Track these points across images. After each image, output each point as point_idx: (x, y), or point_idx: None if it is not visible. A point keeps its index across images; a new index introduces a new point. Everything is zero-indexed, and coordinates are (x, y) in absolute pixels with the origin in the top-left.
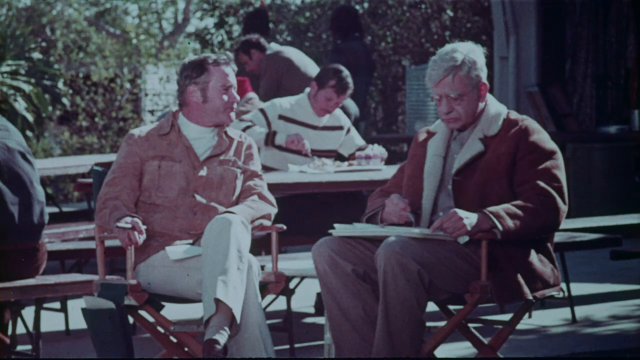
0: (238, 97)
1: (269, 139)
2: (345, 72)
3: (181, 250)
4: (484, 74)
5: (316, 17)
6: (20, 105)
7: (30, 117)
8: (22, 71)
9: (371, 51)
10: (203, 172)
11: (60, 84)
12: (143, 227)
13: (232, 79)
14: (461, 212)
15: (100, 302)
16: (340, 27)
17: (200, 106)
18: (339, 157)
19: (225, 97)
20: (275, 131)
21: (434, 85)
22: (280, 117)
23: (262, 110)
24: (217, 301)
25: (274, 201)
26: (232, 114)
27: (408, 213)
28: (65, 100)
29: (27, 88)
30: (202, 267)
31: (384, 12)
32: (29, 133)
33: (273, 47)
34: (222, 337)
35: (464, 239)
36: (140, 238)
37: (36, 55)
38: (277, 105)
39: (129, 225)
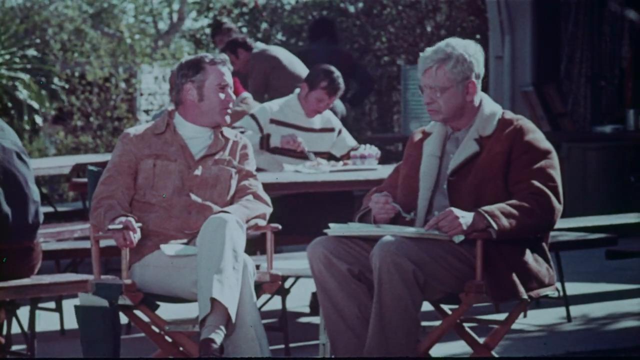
0: (234, 97)
1: (264, 143)
2: (336, 73)
3: (176, 248)
4: (473, 72)
5: (311, 18)
6: (23, 94)
7: (35, 105)
8: (17, 59)
9: (345, 52)
10: (198, 172)
11: (56, 80)
12: (137, 225)
13: (229, 79)
14: (457, 211)
15: (94, 299)
16: (310, 34)
17: (196, 105)
18: (332, 158)
19: (221, 96)
20: (269, 134)
21: (421, 75)
22: (272, 121)
23: (252, 116)
24: (213, 300)
25: (269, 201)
26: (227, 117)
27: (392, 204)
28: (62, 96)
29: (26, 77)
30: (197, 267)
31: (379, 12)
32: (38, 119)
33: (259, 46)
34: (218, 337)
35: (459, 238)
36: (135, 237)
37: (31, 52)
38: (268, 109)
39: (120, 227)
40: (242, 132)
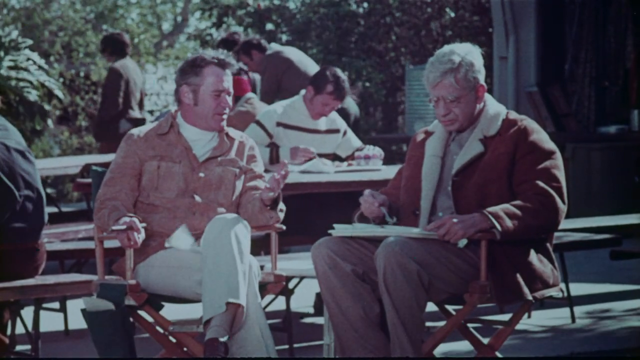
0: (230, 104)
1: (273, 158)
2: (342, 77)
3: (182, 242)
4: (481, 75)
5: (317, 18)
6: (33, 95)
7: (47, 106)
8: (22, 65)
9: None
10: (202, 174)
11: (57, 84)
12: (141, 225)
13: (227, 84)
14: (454, 217)
15: (99, 303)
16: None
17: (191, 108)
18: (337, 158)
19: (215, 102)
20: (278, 147)
21: (432, 87)
22: (278, 124)
23: (258, 123)
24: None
25: None
26: (223, 123)
27: (381, 207)
28: (59, 93)
29: (33, 79)
30: (202, 267)
31: (385, 12)
32: (50, 122)
33: (273, 47)
34: (223, 337)
35: (463, 242)
36: (139, 237)
37: (34, 56)
38: (273, 113)
39: (124, 227)
40: None
